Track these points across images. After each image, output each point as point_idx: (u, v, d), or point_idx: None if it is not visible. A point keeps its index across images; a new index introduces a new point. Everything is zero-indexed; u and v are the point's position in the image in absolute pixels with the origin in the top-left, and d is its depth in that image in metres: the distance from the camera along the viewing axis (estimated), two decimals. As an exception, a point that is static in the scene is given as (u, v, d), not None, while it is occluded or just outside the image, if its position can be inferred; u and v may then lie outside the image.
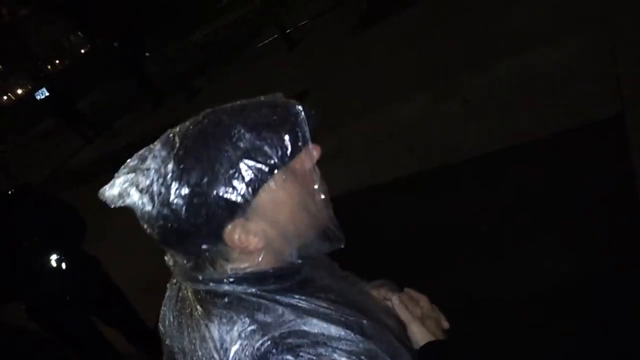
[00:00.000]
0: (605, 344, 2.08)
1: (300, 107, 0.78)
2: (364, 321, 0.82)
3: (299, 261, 0.83)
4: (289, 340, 0.74)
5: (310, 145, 0.79)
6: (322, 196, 0.82)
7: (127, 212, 0.80)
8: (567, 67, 3.84)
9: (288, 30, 9.52)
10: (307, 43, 9.08)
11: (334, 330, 0.77)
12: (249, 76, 9.22)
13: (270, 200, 0.76)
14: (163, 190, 0.73)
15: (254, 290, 0.79)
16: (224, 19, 13.07)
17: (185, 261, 0.82)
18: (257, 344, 0.73)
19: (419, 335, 0.93)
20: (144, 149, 0.80)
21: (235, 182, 0.73)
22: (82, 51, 29.24)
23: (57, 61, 33.40)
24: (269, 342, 0.73)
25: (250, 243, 0.77)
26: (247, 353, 0.73)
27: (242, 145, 0.73)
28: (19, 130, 21.64)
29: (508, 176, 3.20)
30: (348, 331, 0.78)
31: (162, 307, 0.91)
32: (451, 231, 3.00)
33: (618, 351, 2.05)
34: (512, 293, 2.47)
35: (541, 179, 3.01)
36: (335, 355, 0.74)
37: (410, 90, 4.98)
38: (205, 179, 0.72)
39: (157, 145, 0.78)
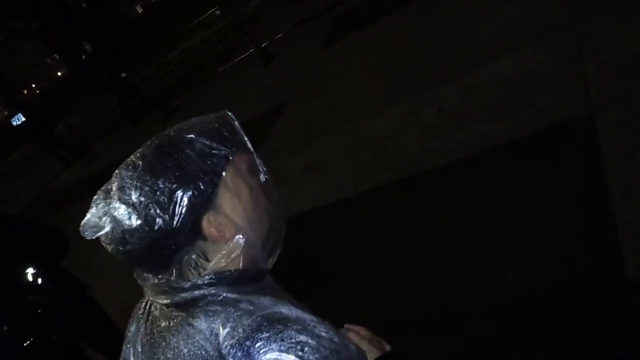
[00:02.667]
0: (587, 347, 2.11)
1: (230, 113, 0.92)
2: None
3: (267, 264, 0.92)
4: (276, 315, 0.80)
5: (248, 151, 0.91)
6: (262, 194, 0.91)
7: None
8: (536, 71, 3.92)
9: (263, 45, 9.57)
10: (283, 56, 9.13)
11: (307, 316, 0.83)
12: (225, 93, 9.24)
13: (229, 192, 0.86)
14: (143, 199, 0.80)
15: (230, 293, 0.84)
16: (198, 37, 13.06)
17: (159, 276, 0.87)
18: (248, 322, 0.78)
19: (370, 351, 0.99)
20: (106, 184, 0.86)
21: (201, 178, 0.82)
22: (59, 74, 29.03)
23: (33, 85, 33.10)
24: (259, 318, 0.78)
25: (224, 232, 0.85)
26: (239, 330, 0.78)
27: (197, 146, 0.84)
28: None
29: (484, 180, 3.25)
30: (319, 319, 0.83)
31: (124, 347, 0.94)
32: (430, 239, 3.04)
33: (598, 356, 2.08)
34: (490, 300, 2.49)
35: (516, 181, 3.06)
36: (317, 330, 0.80)
37: (386, 100, 5.04)
38: (177, 181, 0.81)
39: (121, 170, 0.85)
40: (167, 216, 0.80)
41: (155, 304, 0.91)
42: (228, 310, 0.81)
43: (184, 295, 0.84)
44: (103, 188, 0.86)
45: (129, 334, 0.95)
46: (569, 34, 4.02)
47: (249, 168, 0.90)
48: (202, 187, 0.82)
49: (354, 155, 4.58)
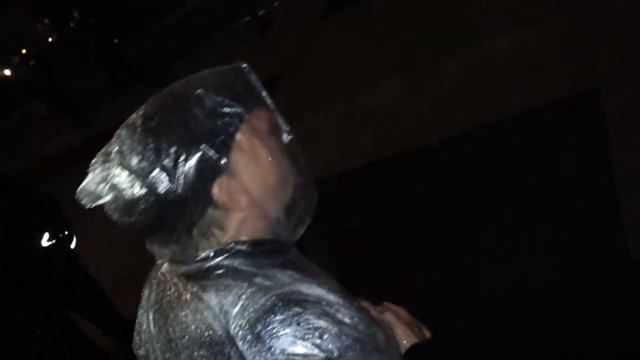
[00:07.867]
0: (590, 340, 2.06)
1: (246, 65, 0.84)
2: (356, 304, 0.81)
3: (293, 236, 0.85)
4: (294, 296, 0.73)
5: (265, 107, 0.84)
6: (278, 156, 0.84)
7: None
8: (541, 50, 3.81)
9: (261, 12, 9.37)
10: (280, 26, 8.95)
11: (332, 297, 0.75)
12: (220, 61, 9.05)
13: (244, 156, 0.78)
14: (146, 165, 0.73)
15: (244, 265, 0.77)
16: (194, 3, 12.82)
17: (171, 246, 0.81)
18: (261, 301, 0.71)
19: (406, 337, 0.91)
20: (105, 146, 0.80)
21: (211, 140, 0.75)
22: (49, 40, 28.55)
23: (24, 51, 32.56)
24: (273, 298, 0.72)
25: (239, 199, 0.78)
26: (250, 310, 0.71)
27: (206, 103, 0.76)
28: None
29: (482, 159, 3.18)
30: (346, 301, 0.76)
31: (139, 311, 0.88)
32: (425, 219, 2.98)
33: (599, 348, 2.03)
34: (488, 288, 2.44)
35: (516, 161, 3.01)
36: (339, 315, 0.73)
37: (384, 75, 4.92)
38: (182, 144, 0.74)
39: (122, 130, 0.78)
40: (172, 183, 0.74)
41: (168, 272, 0.85)
42: (241, 285, 0.74)
43: (195, 266, 0.79)
44: (102, 151, 0.79)
45: (143, 298, 0.89)
46: (578, 14, 3.89)
47: (268, 127, 0.82)
48: (211, 150, 0.75)
49: (348, 130, 4.50)
